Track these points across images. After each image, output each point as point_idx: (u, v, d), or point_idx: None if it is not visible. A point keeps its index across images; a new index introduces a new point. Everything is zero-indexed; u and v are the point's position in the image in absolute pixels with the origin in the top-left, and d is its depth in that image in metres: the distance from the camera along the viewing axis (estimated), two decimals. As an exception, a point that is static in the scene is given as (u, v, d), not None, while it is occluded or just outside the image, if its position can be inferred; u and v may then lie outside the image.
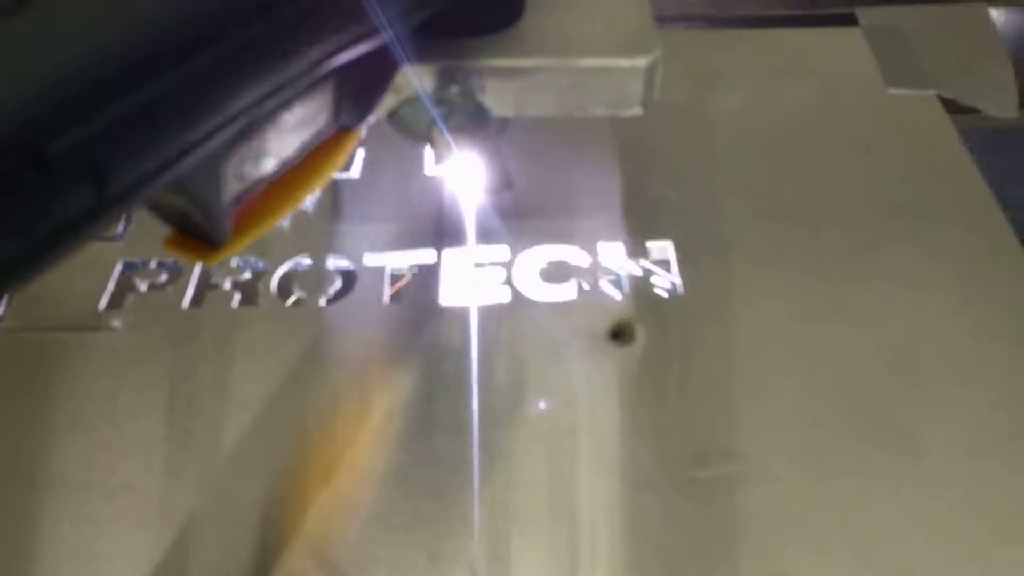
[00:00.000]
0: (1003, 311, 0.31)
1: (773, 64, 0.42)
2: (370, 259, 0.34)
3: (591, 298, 0.32)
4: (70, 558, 0.25)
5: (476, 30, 0.26)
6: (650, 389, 0.29)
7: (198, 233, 0.20)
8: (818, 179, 0.36)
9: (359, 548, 0.25)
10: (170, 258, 0.34)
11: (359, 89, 0.23)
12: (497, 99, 0.26)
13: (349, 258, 0.34)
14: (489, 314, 0.32)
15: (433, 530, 0.26)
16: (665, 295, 0.32)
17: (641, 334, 0.31)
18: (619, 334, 0.31)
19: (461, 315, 0.32)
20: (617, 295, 0.32)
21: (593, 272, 0.33)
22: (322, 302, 0.32)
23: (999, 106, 0.42)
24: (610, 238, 0.34)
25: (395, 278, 0.33)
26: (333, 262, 0.34)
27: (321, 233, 0.34)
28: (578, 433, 0.28)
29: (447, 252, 0.34)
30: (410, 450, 0.28)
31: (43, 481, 0.27)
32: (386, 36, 0.21)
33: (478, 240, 0.34)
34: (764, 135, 0.38)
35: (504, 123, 0.28)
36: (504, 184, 0.33)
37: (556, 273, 0.33)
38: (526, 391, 0.29)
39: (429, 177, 0.37)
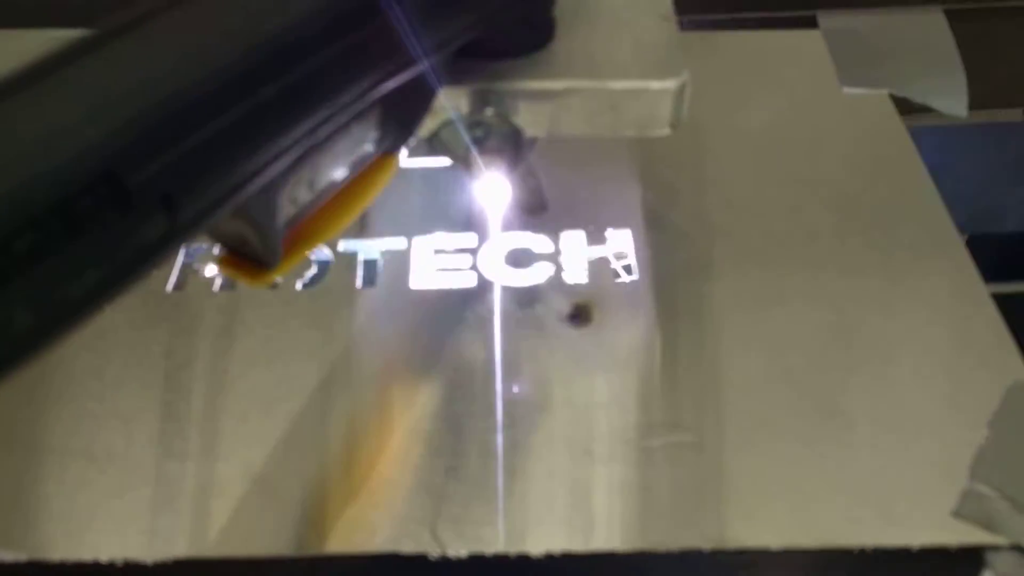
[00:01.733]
0: (937, 298, 0.33)
1: (733, 65, 0.44)
2: (344, 246, 0.36)
3: (553, 283, 0.34)
4: (53, 518, 0.27)
5: (509, 52, 0.27)
6: (604, 365, 0.31)
7: (251, 255, 0.21)
8: (770, 174, 0.38)
9: (345, 511, 0.27)
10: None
11: (401, 114, 0.24)
12: (530, 120, 0.27)
13: (324, 245, 0.36)
14: (456, 297, 0.34)
15: (398, 494, 0.27)
16: (621, 280, 0.34)
17: (597, 316, 0.33)
18: (577, 316, 0.33)
19: (430, 298, 0.34)
20: (577, 280, 0.34)
21: (555, 259, 0.35)
22: (298, 286, 0.34)
23: (951, 106, 0.44)
24: (572, 227, 0.36)
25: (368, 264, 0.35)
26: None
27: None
28: (535, 407, 0.30)
29: (417, 239, 0.36)
30: (381, 423, 0.29)
31: (29, 448, 0.29)
32: (427, 64, 0.23)
33: (448, 228, 0.36)
34: (722, 132, 0.40)
35: (532, 143, 0.29)
36: (539, 204, 0.34)
37: (520, 259, 0.35)
38: (488, 368, 0.31)
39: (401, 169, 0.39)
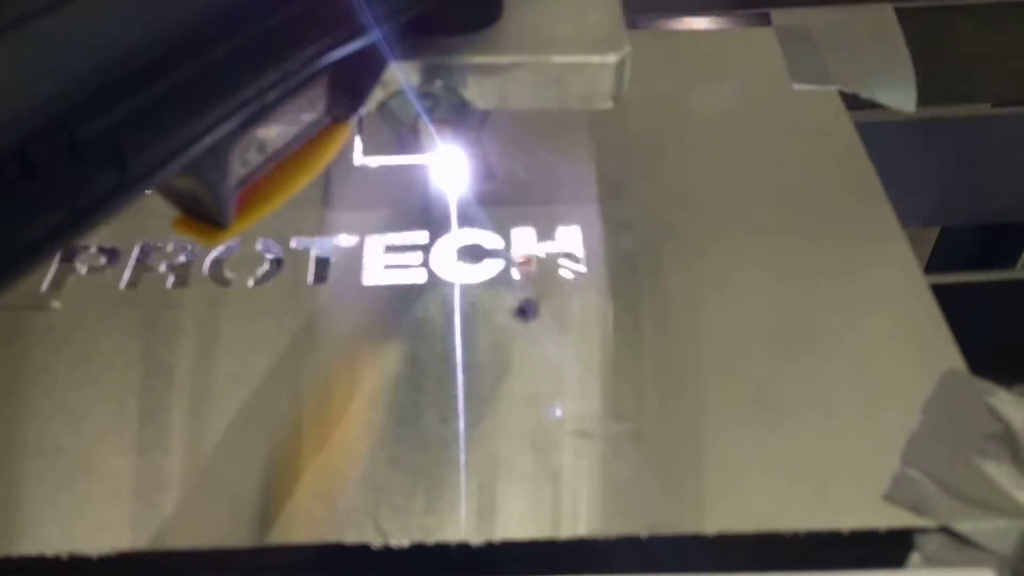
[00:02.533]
0: (877, 290, 0.34)
1: (686, 63, 0.45)
2: (296, 243, 0.36)
3: (502, 278, 0.35)
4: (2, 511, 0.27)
5: (459, 28, 0.28)
6: (548, 359, 0.32)
7: (204, 215, 0.22)
8: (720, 170, 0.39)
9: (290, 502, 0.28)
10: (109, 243, 0.36)
11: (351, 83, 0.25)
12: (478, 94, 0.29)
13: (277, 242, 0.36)
14: (407, 293, 0.34)
15: (343, 485, 0.28)
16: (569, 276, 0.35)
17: (545, 310, 0.33)
18: (524, 310, 0.33)
19: (381, 295, 0.34)
20: (526, 275, 0.35)
21: (505, 255, 0.36)
22: (250, 283, 0.35)
23: (899, 101, 0.45)
24: (523, 224, 0.37)
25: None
26: (261, 246, 0.36)
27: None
28: (481, 399, 0.30)
29: (369, 237, 0.36)
30: (332, 415, 0.30)
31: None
32: (377, 34, 0.24)
33: (403, 226, 0.37)
34: (673, 129, 0.41)
35: (484, 117, 0.31)
36: (487, 175, 0.35)
37: (472, 256, 0.36)
38: (437, 362, 0.32)
39: (356, 167, 0.39)
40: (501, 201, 0.37)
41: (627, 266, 0.35)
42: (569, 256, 0.35)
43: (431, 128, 0.29)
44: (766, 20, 0.48)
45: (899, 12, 0.48)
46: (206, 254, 0.36)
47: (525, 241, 0.36)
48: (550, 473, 0.28)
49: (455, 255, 0.35)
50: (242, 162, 0.22)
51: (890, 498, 0.27)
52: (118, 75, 0.17)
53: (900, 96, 0.45)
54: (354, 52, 0.23)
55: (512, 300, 0.34)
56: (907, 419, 0.29)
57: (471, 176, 0.35)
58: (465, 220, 0.36)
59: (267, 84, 0.20)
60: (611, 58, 0.29)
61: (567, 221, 0.37)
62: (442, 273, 0.35)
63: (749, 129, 0.41)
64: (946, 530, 0.26)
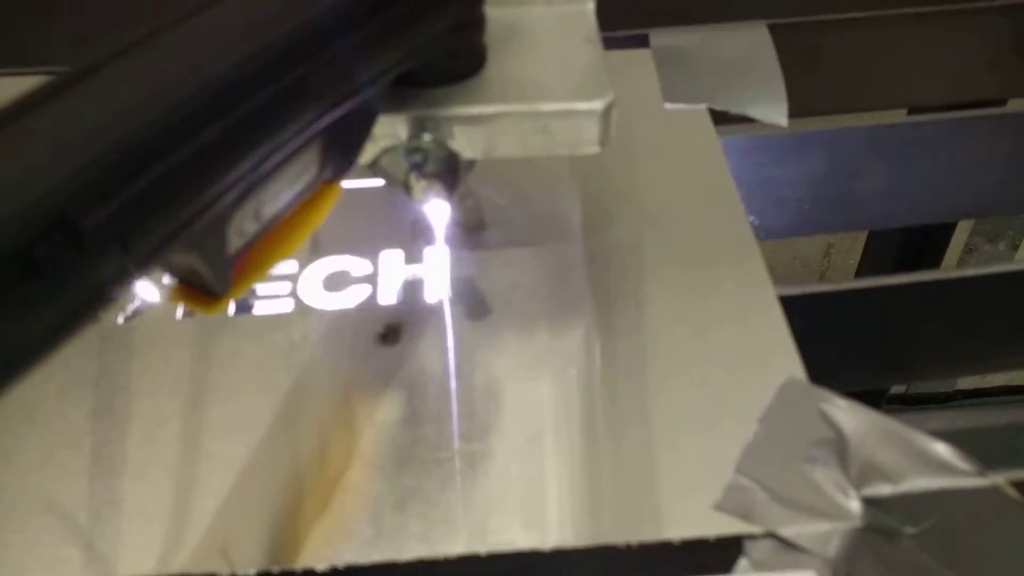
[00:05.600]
0: (727, 303, 0.35)
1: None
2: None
3: (367, 304, 0.35)
4: None
5: (442, 80, 0.28)
6: (405, 383, 0.32)
7: (201, 285, 0.22)
8: (591, 188, 0.40)
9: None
10: None
11: (341, 144, 0.25)
12: (465, 144, 0.29)
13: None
14: (270, 324, 0.35)
15: (190, 515, 0.28)
16: (434, 300, 0.36)
17: (406, 336, 0.34)
18: (386, 336, 0.34)
19: (244, 326, 0.35)
20: (391, 301, 0.36)
21: (373, 279, 0.36)
22: (120, 320, 0.35)
23: (770, 115, 0.47)
24: (391, 247, 0.37)
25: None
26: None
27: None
28: (340, 425, 0.31)
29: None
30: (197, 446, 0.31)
31: None
32: (365, 96, 0.24)
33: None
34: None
35: (470, 165, 0.30)
36: (478, 223, 0.36)
37: (338, 282, 0.36)
38: (300, 392, 0.32)
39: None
40: (370, 222, 0.38)
41: (490, 289, 0.36)
42: (435, 280, 0.36)
43: (422, 182, 0.29)
44: (645, 42, 0.50)
45: (772, 29, 0.50)
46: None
47: (392, 266, 0.37)
48: (398, 495, 0.29)
49: (322, 283, 0.36)
50: (239, 233, 0.22)
51: (721, 507, 0.28)
52: (114, 162, 0.17)
53: (770, 110, 0.47)
54: (344, 113, 0.23)
55: (376, 326, 0.34)
56: (746, 430, 0.30)
57: (462, 226, 0.36)
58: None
59: (263, 155, 0.21)
60: (597, 104, 0.29)
61: (435, 244, 0.38)
62: (309, 301, 0.36)
63: (617, 149, 0.42)
64: (772, 535, 0.28)
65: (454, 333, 0.34)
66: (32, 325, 0.16)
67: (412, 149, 0.28)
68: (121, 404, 0.32)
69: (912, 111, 0.60)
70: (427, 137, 0.28)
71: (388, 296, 0.36)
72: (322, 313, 0.35)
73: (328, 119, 0.23)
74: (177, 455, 0.30)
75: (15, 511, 0.29)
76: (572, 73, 0.30)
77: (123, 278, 0.18)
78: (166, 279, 0.23)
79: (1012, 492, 0.28)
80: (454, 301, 0.35)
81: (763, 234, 0.37)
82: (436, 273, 0.36)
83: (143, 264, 0.18)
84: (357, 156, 0.26)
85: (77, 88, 0.18)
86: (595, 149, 0.30)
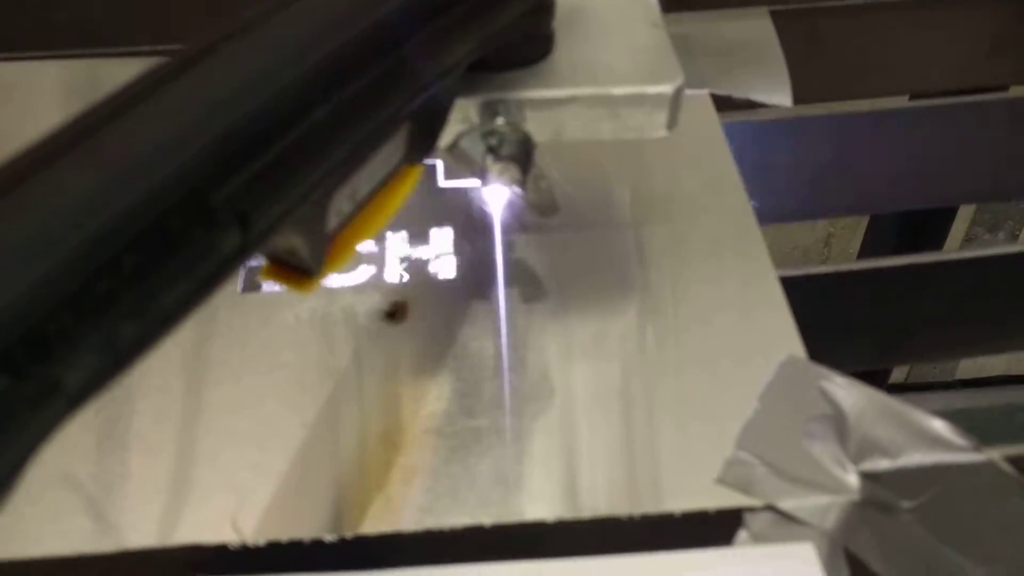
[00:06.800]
0: (729, 285, 0.35)
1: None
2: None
3: (375, 282, 0.36)
4: None
5: (513, 64, 0.29)
6: (413, 360, 0.33)
7: (296, 264, 0.23)
8: (592, 173, 0.41)
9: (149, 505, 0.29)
10: None
11: (425, 126, 0.26)
12: (536, 127, 0.29)
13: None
14: (283, 299, 0.35)
15: (202, 488, 0.29)
16: (439, 278, 0.36)
17: (413, 313, 0.35)
18: (393, 313, 0.35)
19: (252, 303, 0.35)
20: (398, 279, 0.36)
21: (380, 258, 0.37)
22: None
23: (772, 100, 0.47)
24: (396, 228, 0.38)
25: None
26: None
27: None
28: (346, 400, 0.32)
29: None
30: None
31: None
32: (453, 77, 0.25)
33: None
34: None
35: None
36: (550, 205, 0.36)
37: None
38: (311, 367, 0.33)
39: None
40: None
41: (494, 267, 0.36)
42: (440, 259, 0.37)
43: (498, 165, 0.29)
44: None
45: (775, 15, 0.50)
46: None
47: (397, 245, 0.37)
48: (406, 470, 0.30)
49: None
50: (336, 212, 0.23)
51: (722, 481, 0.29)
52: (239, 140, 0.18)
53: (773, 95, 0.47)
54: (431, 96, 0.24)
55: (382, 303, 0.35)
56: (747, 407, 0.31)
57: (535, 208, 0.36)
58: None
59: (366, 134, 0.22)
60: (667, 88, 0.29)
61: (438, 223, 0.38)
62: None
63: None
64: (771, 508, 0.28)
65: (461, 311, 0.35)
66: (167, 299, 0.16)
67: (487, 132, 0.29)
68: (132, 381, 0.32)
69: (914, 97, 0.60)
70: (501, 120, 0.29)
71: (394, 274, 0.36)
72: (329, 291, 0.36)
73: (420, 100, 0.24)
74: (187, 430, 0.31)
75: (31, 484, 0.29)
76: (640, 57, 0.30)
77: (241, 256, 0.18)
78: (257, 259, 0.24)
79: (1007, 467, 0.29)
80: (460, 281, 0.36)
81: (765, 218, 0.38)
82: (443, 253, 0.37)
83: (258, 242, 0.18)
84: (437, 139, 0.27)
85: (197, 69, 0.18)
86: (662, 133, 0.30)
